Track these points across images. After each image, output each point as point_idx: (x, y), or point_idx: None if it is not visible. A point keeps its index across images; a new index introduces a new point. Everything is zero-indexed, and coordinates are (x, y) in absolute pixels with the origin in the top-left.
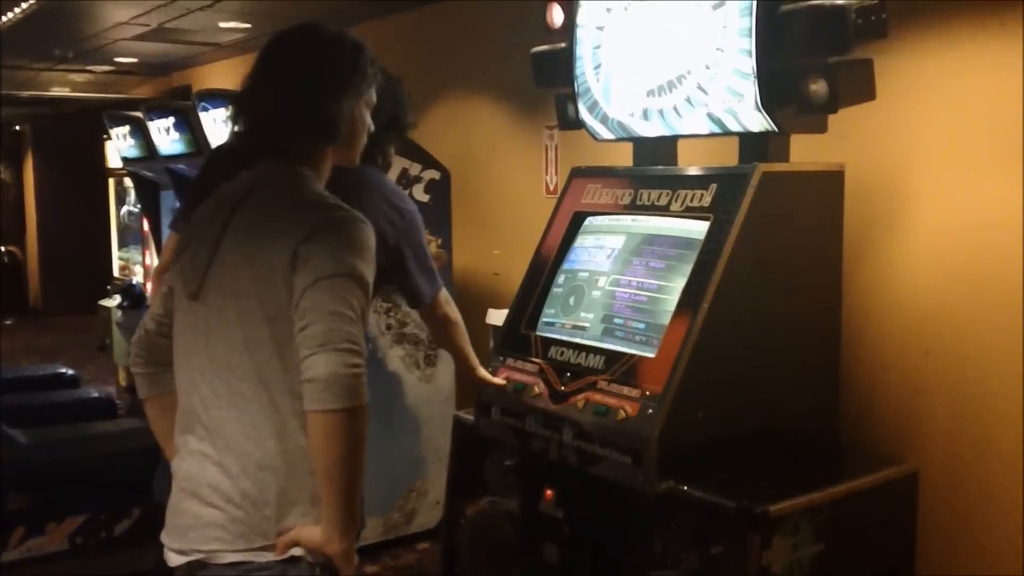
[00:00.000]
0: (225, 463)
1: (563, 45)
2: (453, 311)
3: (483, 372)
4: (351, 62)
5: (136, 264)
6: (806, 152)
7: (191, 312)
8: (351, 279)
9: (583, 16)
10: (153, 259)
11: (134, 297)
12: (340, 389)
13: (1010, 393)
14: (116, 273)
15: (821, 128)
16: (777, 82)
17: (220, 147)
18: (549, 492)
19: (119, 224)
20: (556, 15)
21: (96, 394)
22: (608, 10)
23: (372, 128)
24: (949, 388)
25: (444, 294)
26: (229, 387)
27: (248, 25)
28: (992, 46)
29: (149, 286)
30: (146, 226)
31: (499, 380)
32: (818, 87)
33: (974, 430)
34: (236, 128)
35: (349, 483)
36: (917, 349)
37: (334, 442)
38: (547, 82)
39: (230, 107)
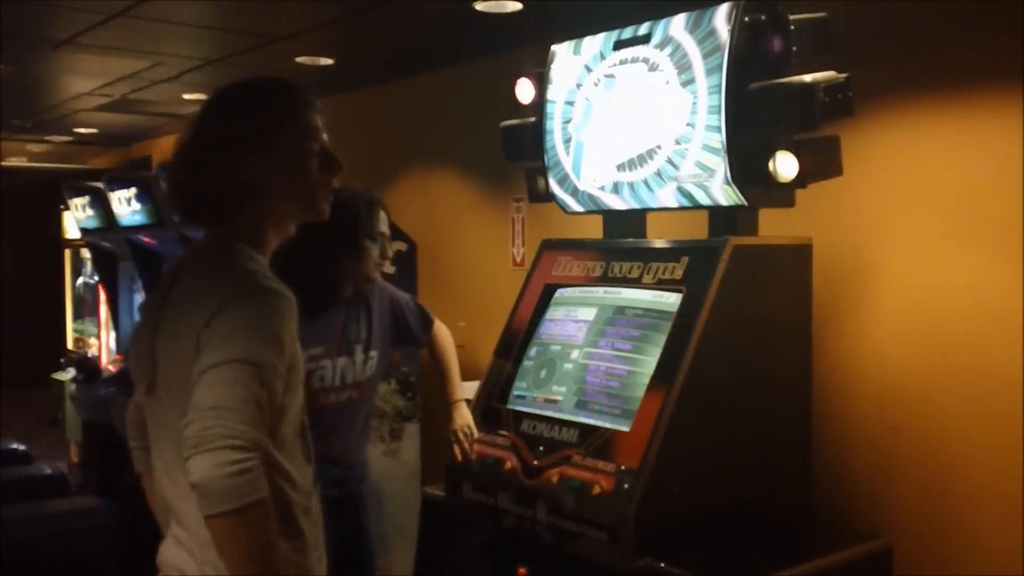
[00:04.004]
0: (193, 549)
1: (533, 119)
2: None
3: (460, 418)
4: (272, 115)
5: (91, 337)
6: (773, 226)
7: (148, 404)
8: (240, 364)
9: (553, 92)
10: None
11: (89, 370)
12: (217, 493)
13: (978, 466)
14: (70, 346)
15: (789, 203)
16: (746, 157)
17: None
18: (522, 570)
19: (74, 296)
20: (526, 91)
21: (48, 471)
22: (578, 86)
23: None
24: (919, 462)
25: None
26: (184, 479)
27: None
28: (954, 122)
29: (104, 358)
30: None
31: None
32: (787, 162)
33: (945, 504)
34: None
35: None
36: (886, 424)
37: (228, 547)
38: (516, 156)
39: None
